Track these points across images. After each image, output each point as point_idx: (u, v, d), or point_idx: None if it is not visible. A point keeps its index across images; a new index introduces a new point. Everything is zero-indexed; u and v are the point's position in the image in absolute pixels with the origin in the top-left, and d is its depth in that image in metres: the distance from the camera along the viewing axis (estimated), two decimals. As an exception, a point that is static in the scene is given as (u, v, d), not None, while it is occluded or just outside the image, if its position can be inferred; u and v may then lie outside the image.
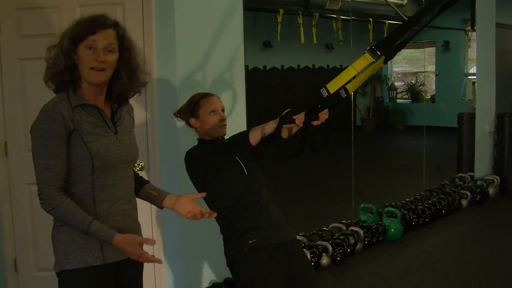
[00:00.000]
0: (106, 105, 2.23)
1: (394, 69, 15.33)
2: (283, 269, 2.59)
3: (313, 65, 14.09)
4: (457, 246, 5.43)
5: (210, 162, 2.55)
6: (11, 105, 3.84)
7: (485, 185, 6.96)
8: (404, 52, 14.50)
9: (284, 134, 2.53)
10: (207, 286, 4.06)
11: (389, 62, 15.16)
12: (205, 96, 2.80)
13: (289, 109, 2.30)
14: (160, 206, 2.42)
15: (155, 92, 3.81)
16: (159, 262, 2.23)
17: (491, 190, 6.98)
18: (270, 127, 2.34)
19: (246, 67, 4.28)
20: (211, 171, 2.63)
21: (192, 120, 2.76)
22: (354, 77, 2.25)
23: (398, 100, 14.86)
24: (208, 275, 4.09)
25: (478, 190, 6.81)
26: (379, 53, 2.17)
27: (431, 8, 2.24)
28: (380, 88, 14.84)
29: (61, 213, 2.04)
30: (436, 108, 13.49)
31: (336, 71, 14.30)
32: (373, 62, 2.20)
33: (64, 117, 2.04)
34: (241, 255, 2.59)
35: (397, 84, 15.14)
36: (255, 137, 2.35)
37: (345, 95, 2.28)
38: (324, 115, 2.33)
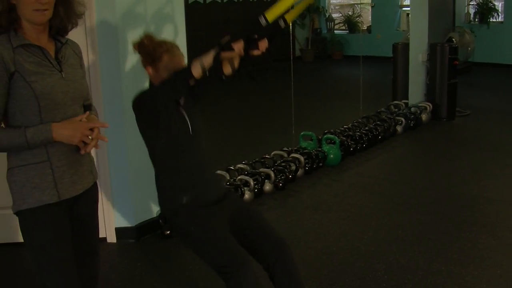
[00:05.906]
0: (49, 44, 2.18)
1: (331, 1, 15.37)
2: (224, 216, 2.58)
3: (253, -2, 13.96)
4: (393, 170, 5.69)
5: (164, 96, 2.37)
6: None
7: (418, 111, 7.25)
8: (341, -16, 14.48)
9: (227, 70, 2.31)
10: (155, 216, 4.19)
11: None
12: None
13: (228, 36, 2.18)
14: None
15: (96, 29, 3.76)
16: (106, 126, 2.22)
17: (424, 116, 7.28)
18: (210, 56, 2.19)
19: (186, 1, 4.26)
20: (163, 118, 2.48)
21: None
22: (292, 7, 2.21)
23: (335, 31, 14.97)
24: (155, 206, 4.20)
25: (412, 116, 7.09)
26: None
27: None
28: (318, 20, 14.87)
29: None
30: (372, 39, 13.69)
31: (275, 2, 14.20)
32: None
33: (3, 59, 2.00)
34: (180, 208, 2.54)
35: (334, 15, 15.20)
36: (196, 68, 2.19)
37: (284, 25, 2.23)
38: (263, 44, 2.22)
